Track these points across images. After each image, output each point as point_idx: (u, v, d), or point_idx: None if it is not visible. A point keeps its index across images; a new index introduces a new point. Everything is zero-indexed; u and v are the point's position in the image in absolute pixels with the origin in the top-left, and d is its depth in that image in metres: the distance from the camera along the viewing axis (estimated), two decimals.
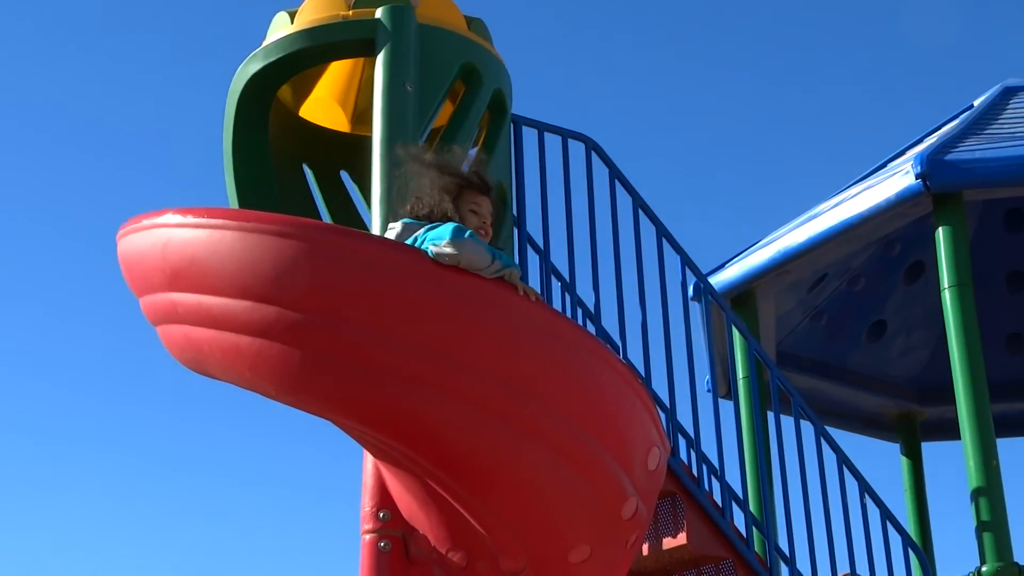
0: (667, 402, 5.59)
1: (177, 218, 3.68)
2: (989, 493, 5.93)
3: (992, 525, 5.86)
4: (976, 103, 7.65)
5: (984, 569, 5.83)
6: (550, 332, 3.68)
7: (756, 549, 5.60)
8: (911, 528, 8.24)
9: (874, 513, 6.06)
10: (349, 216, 5.53)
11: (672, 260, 5.78)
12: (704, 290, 6.03)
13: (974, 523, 5.92)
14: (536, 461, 3.66)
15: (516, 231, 5.43)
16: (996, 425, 6.28)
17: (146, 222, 3.78)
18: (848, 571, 5.93)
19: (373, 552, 3.98)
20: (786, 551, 5.70)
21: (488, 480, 3.69)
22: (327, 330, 3.47)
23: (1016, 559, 5.86)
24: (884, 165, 7.62)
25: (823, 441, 5.97)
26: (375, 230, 4.58)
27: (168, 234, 3.69)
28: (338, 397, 3.57)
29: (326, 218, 5.53)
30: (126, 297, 3.91)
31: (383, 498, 4.03)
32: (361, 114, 5.59)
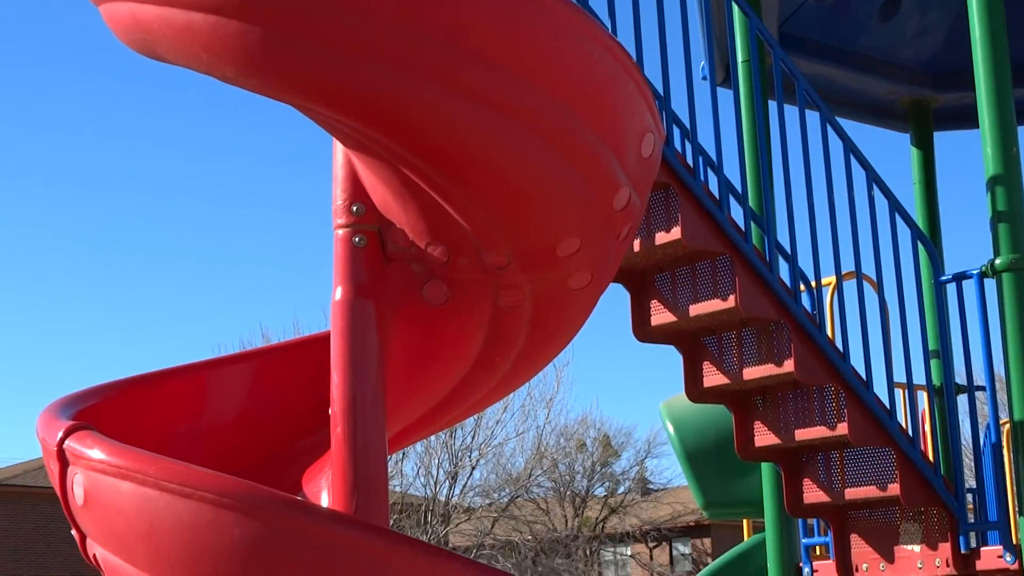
0: (660, 90, 5.58)
1: None
2: (1007, 182, 6.00)
3: (1008, 216, 5.96)
4: None
5: (998, 262, 5.95)
6: (533, 7, 3.62)
7: (755, 245, 5.70)
8: (920, 222, 8.38)
9: (882, 205, 6.15)
10: None
11: None
12: None
13: (989, 214, 6.02)
14: (521, 148, 3.66)
15: None
16: (1017, 111, 6.30)
17: None
18: (852, 269, 6.06)
19: (347, 248, 4.03)
20: (787, 247, 5.81)
21: (469, 169, 3.70)
22: (289, 4, 3.41)
23: None
24: None
25: (829, 129, 6.00)
26: None
27: None
28: (303, 79, 3.53)
29: None
30: None
31: (356, 190, 4.04)
32: None
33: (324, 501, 4.32)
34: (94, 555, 3.89)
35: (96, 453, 3.71)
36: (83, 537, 3.92)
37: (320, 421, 4.22)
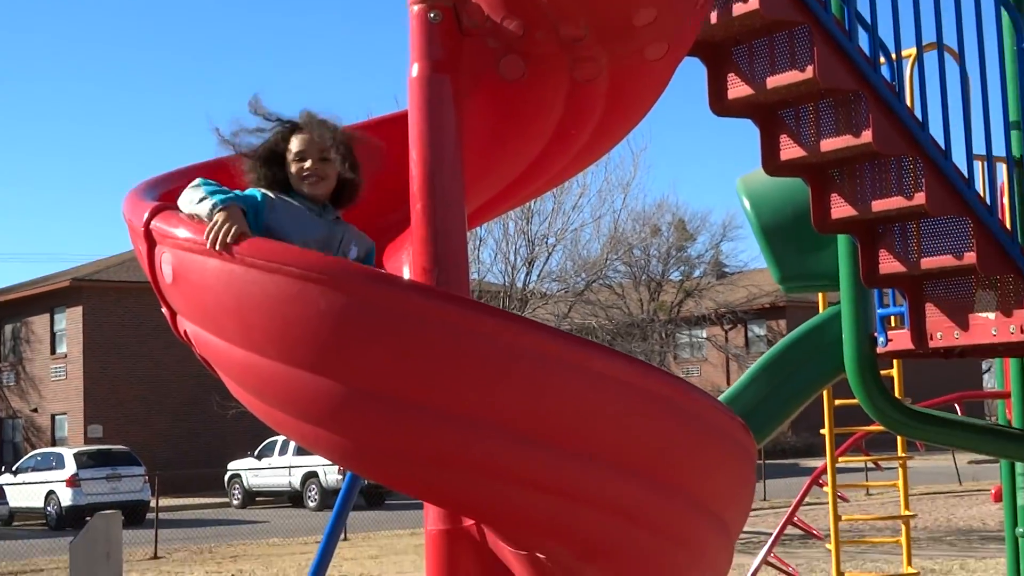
0: None
1: None
2: None
3: None
4: None
5: None
6: None
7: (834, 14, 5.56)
8: None
9: None
10: None
11: None
12: None
13: None
14: None
15: None
16: None
17: None
18: (934, 40, 5.91)
19: (423, 24, 4.01)
20: (867, 17, 5.67)
21: None
22: None
23: None
24: None
25: None
26: None
27: None
28: None
29: None
30: None
31: None
32: None
33: (405, 276, 4.39)
34: (184, 331, 3.98)
35: (182, 232, 3.76)
36: (173, 314, 4.01)
37: (399, 199, 4.26)
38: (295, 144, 4.08)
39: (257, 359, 3.62)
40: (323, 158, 4.06)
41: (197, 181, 3.86)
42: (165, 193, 4.20)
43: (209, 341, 3.81)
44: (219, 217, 3.64)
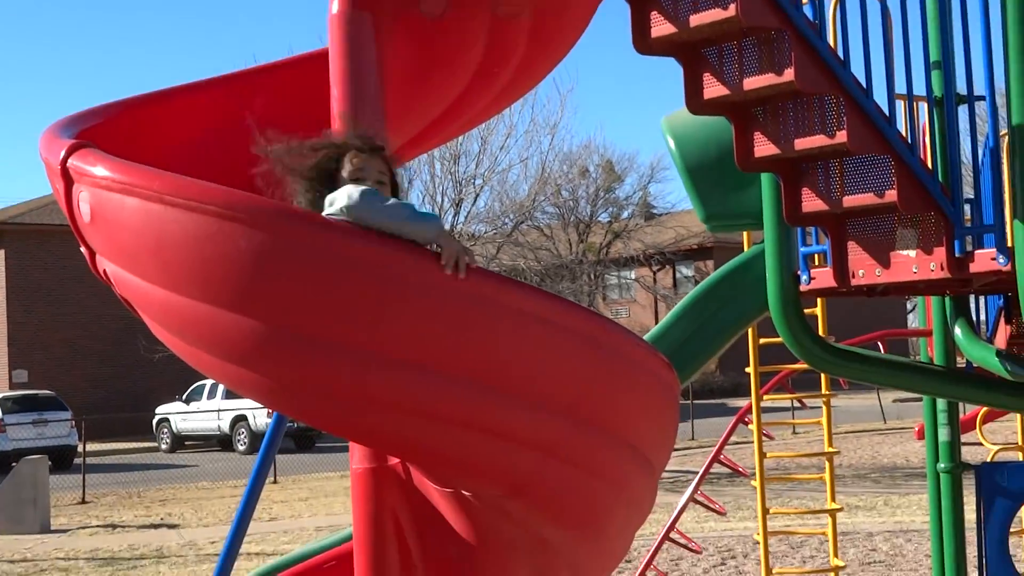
0: None
1: None
2: None
3: None
4: None
5: None
6: None
7: None
8: None
9: None
10: None
11: None
12: None
13: None
14: None
15: None
16: None
17: None
18: None
19: None
20: None
21: None
22: None
23: None
24: None
25: None
26: None
27: None
28: None
29: None
30: None
31: None
32: None
33: None
34: (104, 270, 3.94)
35: (100, 170, 3.72)
36: (92, 253, 3.97)
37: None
38: (354, 162, 3.79)
39: (178, 299, 3.59)
40: (379, 181, 3.78)
41: (369, 188, 3.64)
42: (83, 131, 4.14)
43: (129, 281, 3.78)
44: (456, 244, 3.46)
